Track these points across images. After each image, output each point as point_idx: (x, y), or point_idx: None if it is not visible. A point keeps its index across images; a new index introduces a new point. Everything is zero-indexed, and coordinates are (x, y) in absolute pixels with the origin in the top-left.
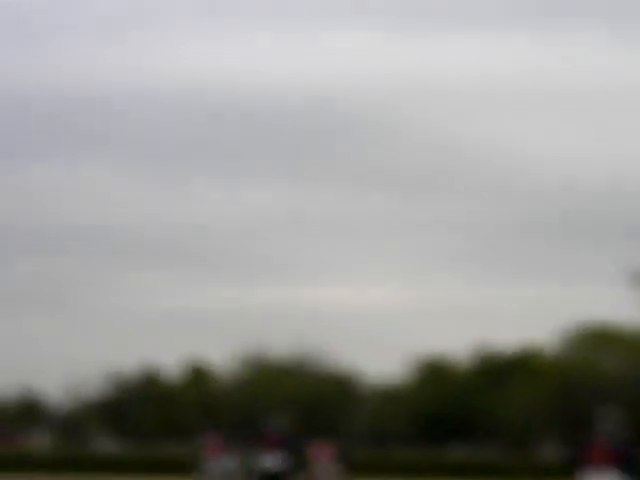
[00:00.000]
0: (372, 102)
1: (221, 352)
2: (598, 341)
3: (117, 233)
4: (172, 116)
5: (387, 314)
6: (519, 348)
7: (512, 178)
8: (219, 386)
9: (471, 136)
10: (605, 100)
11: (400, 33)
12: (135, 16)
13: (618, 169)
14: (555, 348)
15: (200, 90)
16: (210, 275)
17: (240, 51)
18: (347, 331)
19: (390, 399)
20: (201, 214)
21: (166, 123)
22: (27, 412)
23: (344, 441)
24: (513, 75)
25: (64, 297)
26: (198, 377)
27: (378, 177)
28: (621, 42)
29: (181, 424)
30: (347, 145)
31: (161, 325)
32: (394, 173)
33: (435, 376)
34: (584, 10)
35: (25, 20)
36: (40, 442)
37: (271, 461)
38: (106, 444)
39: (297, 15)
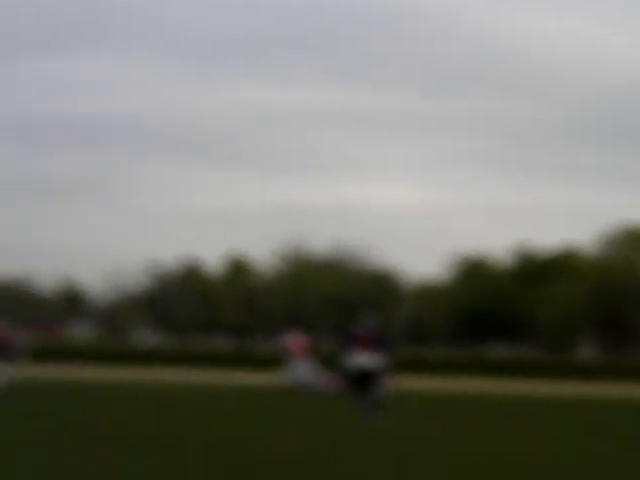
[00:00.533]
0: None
1: (262, 249)
2: (637, 243)
3: (155, 127)
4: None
5: (425, 214)
6: (558, 249)
7: (549, 81)
8: (260, 281)
9: (507, 36)
10: None
11: None
12: None
13: None
14: (594, 250)
15: None
16: (253, 172)
17: None
18: (386, 230)
19: (429, 297)
20: (244, 111)
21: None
22: (69, 303)
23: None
24: None
25: (107, 190)
26: (239, 271)
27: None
28: None
29: (222, 318)
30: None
31: (202, 221)
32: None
33: (474, 275)
34: None
35: None
36: (81, 333)
37: (365, 360)
38: (146, 337)
39: None
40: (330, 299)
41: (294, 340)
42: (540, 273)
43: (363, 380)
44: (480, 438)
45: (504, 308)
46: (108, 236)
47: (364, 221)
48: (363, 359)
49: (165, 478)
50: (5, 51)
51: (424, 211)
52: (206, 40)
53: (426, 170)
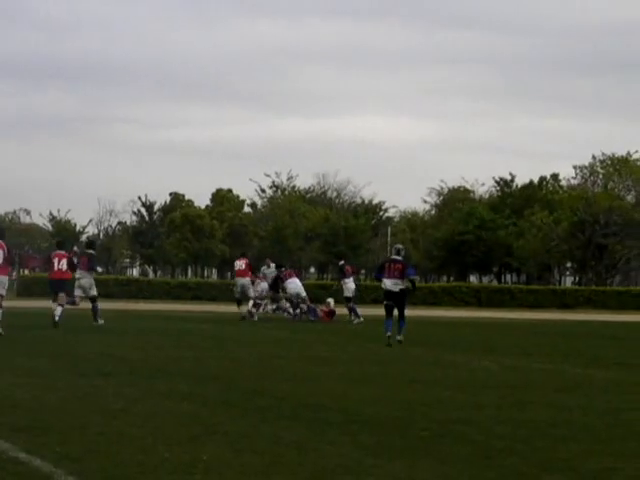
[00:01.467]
0: None
1: (247, 183)
2: (615, 173)
3: (144, 65)
4: None
5: (406, 146)
6: (538, 179)
7: (543, 13)
8: (245, 215)
9: None
10: None
11: None
12: None
13: None
14: (575, 180)
15: None
16: (236, 107)
17: None
18: (371, 163)
19: (412, 228)
20: (235, 46)
21: None
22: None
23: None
24: None
25: (95, 128)
26: (224, 205)
27: (400, 9)
28: None
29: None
30: None
31: (187, 155)
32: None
33: (456, 207)
34: None
35: None
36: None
37: (393, 286)
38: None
39: None
40: (315, 232)
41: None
42: (520, 204)
43: (392, 302)
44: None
45: (485, 241)
46: (96, 173)
47: (348, 155)
48: (392, 285)
49: None
50: None
51: (409, 144)
52: None
53: (403, 103)
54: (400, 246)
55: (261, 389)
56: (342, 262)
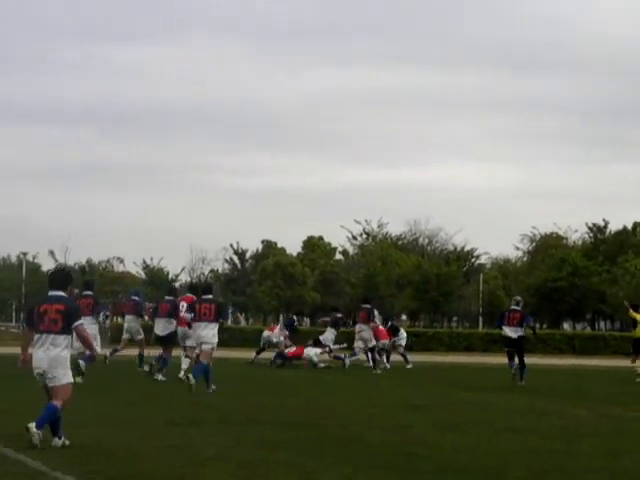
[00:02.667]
0: None
1: (336, 229)
2: None
3: (243, 114)
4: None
5: (498, 193)
6: (632, 225)
7: (624, 60)
8: (336, 261)
9: (585, 17)
10: None
11: None
12: None
13: None
14: None
15: None
16: (321, 156)
17: None
18: (459, 210)
19: (505, 275)
20: (323, 94)
21: None
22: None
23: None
24: None
25: (176, 175)
26: (315, 251)
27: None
28: None
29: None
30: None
31: (277, 203)
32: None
33: (548, 253)
34: None
35: None
36: None
37: (512, 333)
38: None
39: None
40: (407, 279)
41: None
42: (614, 250)
43: (512, 348)
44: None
45: (577, 287)
46: (187, 221)
47: (439, 201)
48: (511, 332)
49: None
50: (74, 39)
51: (496, 192)
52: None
53: (496, 150)
54: (519, 298)
55: (355, 437)
56: (368, 305)
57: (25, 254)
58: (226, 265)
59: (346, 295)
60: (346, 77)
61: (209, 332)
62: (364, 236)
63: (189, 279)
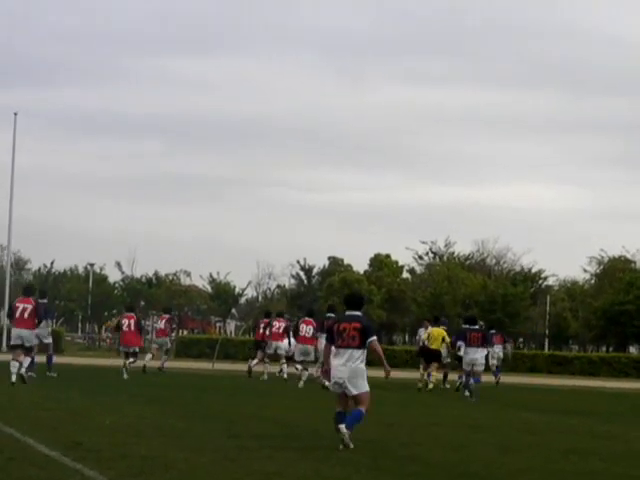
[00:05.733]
0: None
1: (404, 248)
2: None
3: (308, 130)
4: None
5: (567, 214)
6: None
7: None
8: (402, 280)
9: None
10: None
11: None
12: None
13: None
14: None
15: None
16: (391, 173)
17: None
18: (527, 230)
19: (572, 297)
20: (389, 110)
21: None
22: (220, 300)
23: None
24: None
25: (249, 189)
26: (382, 269)
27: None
28: None
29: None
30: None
31: (345, 219)
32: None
33: (617, 277)
34: None
35: None
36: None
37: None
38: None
39: None
40: (473, 299)
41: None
42: None
43: None
44: None
45: None
46: (255, 236)
47: (507, 222)
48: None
49: None
50: (150, 51)
51: (564, 213)
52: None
53: (565, 171)
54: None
55: (414, 455)
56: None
57: (92, 265)
58: (292, 281)
59: (412, 314)
60: (414, 93)
61: None
62: (430, 255)
63: (255, 294)
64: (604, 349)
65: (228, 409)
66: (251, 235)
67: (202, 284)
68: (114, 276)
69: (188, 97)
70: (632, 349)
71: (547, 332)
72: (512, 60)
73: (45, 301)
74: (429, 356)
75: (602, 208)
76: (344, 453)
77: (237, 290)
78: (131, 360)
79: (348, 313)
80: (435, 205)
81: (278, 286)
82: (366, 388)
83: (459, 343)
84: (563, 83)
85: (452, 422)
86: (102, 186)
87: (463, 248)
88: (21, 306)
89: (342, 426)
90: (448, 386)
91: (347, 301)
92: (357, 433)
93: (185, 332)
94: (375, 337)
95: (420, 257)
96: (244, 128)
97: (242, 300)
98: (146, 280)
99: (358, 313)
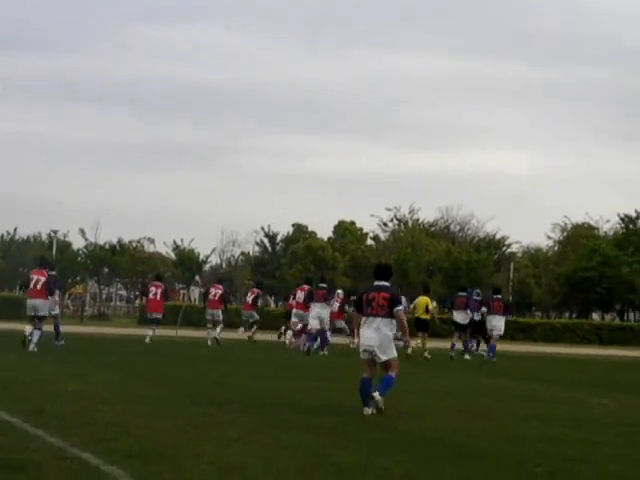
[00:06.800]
0: None
1: (370, 215)
2: None
3: (278, 97)
4: None
5: (530, 181)
6: None
7: None
8: (367, 247)
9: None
10: None
11: None
12: None
13: None
14: None
15: None
16: (353, 141)
17: None
18: (491, 197)
19: (535, 264)
20: (359, 78)
21: None
22: (184, 267)
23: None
24: None
25: (216, 157)
26: (346, 236)
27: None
28: None
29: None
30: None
31: (308, 187)
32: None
33: (580, 243)
34: None
35: None
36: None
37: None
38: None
39: None
40: (437, 266)
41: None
42: None
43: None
44: None
45: (608, 276)
46: (219, 203)
47: (471, 189)
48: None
49: None
50: (118, 19)
51: (528, 180)
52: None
53: (530, 138)
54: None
55: (379, 422)
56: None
57: (56, 232)
58: (257, 248)
59: None
60: (387, 61)
61: None
62: (395, 222)
63: (219, 261)
64: (567, 316)
65: (192, 376)
66: (216, 202)
67: (166, 251)
68: (78, 243)
69: (167, 67)
70: (595, 316)
71: (510, 299)
72: (486, 31)
73: (54, 273)
74: (417, 325)
75: (566, 175)
76: (308, 419)
77: (201, 257)
78: (153, 327)
79: (377, 283)
80: (400, 172)
81: (242, 253)
82: (394, 354)
83: (483, 309)
84: (532, 51)
85: (420, 389)
86: (67, 153)
87: (427, 215)
88: (35, 277)
89: (376, 394)
90: (468, 357)
91: (376, 272)
92: (321, 399)
93: (145, 298)
94: (402, 307)
95: (385, 224)
96: (212, 95)
97: (206, 267)
98: (110, 247)
99: (386, 283)
